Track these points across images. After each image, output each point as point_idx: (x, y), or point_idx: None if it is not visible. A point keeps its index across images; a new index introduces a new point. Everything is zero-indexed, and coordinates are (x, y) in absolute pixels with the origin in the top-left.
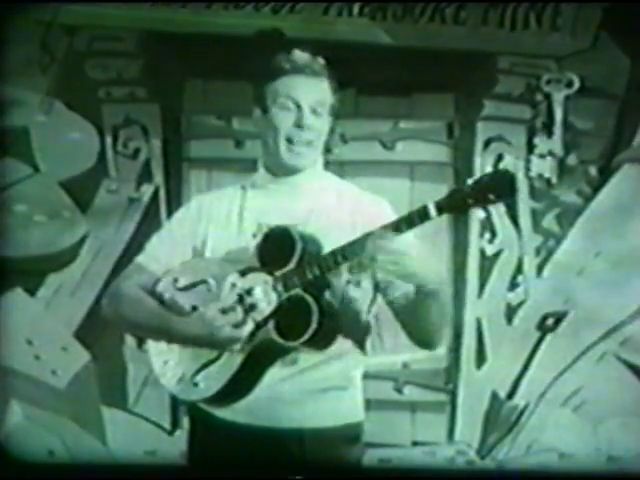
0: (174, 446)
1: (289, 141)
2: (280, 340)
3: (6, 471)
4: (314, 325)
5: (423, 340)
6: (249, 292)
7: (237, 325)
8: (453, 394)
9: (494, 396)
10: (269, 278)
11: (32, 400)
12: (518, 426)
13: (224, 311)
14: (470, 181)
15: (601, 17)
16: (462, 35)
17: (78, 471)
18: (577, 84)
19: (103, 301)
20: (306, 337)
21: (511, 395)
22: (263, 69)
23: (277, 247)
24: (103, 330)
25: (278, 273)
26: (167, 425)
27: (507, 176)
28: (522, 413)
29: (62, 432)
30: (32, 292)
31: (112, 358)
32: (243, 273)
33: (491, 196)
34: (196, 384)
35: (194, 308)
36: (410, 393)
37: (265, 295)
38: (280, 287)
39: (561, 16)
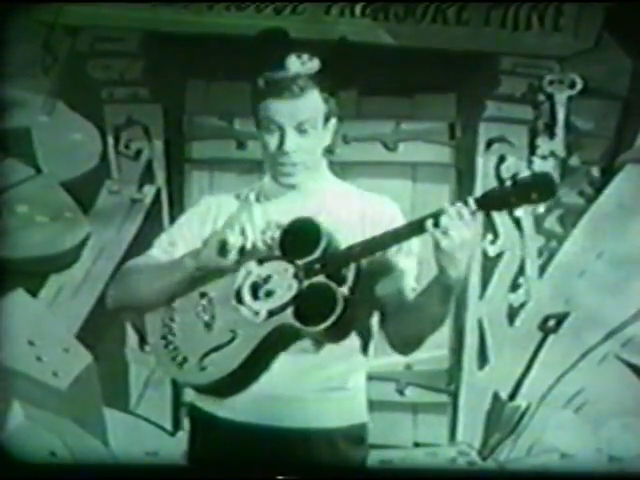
0: (176, 447)
1: (275, 164)
2: (299, 325)
3: (7, 472)
4: (338, 311)
5: (406, 340)
6: (266, 280)
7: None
8: (455, 395)
9: (496, 397)
10: (289, 266)
11: (34, 401)
12: (520, 427)
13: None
14: (509, 181)
15: (604, 17)
16: (464, 36)
17: (79, 472)
18: (579, 85)
19: (109, 289)
20: (328, 323)
21: (513, 396)
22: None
23: (301, 237)
24: (105, 331)
25: (300, 262)
26: (169, 426)
27: (548, 178)
28: (524, 414)
29: (64, 433)
30: (34, 293)
31: (114, 359)
32: (260, 261)
33: (534, 195)
34: (204, 368)
35: (203, 294)
36: (412, 394)
37: (284, 281)
38: (301, 274)
39: (563, 16)
